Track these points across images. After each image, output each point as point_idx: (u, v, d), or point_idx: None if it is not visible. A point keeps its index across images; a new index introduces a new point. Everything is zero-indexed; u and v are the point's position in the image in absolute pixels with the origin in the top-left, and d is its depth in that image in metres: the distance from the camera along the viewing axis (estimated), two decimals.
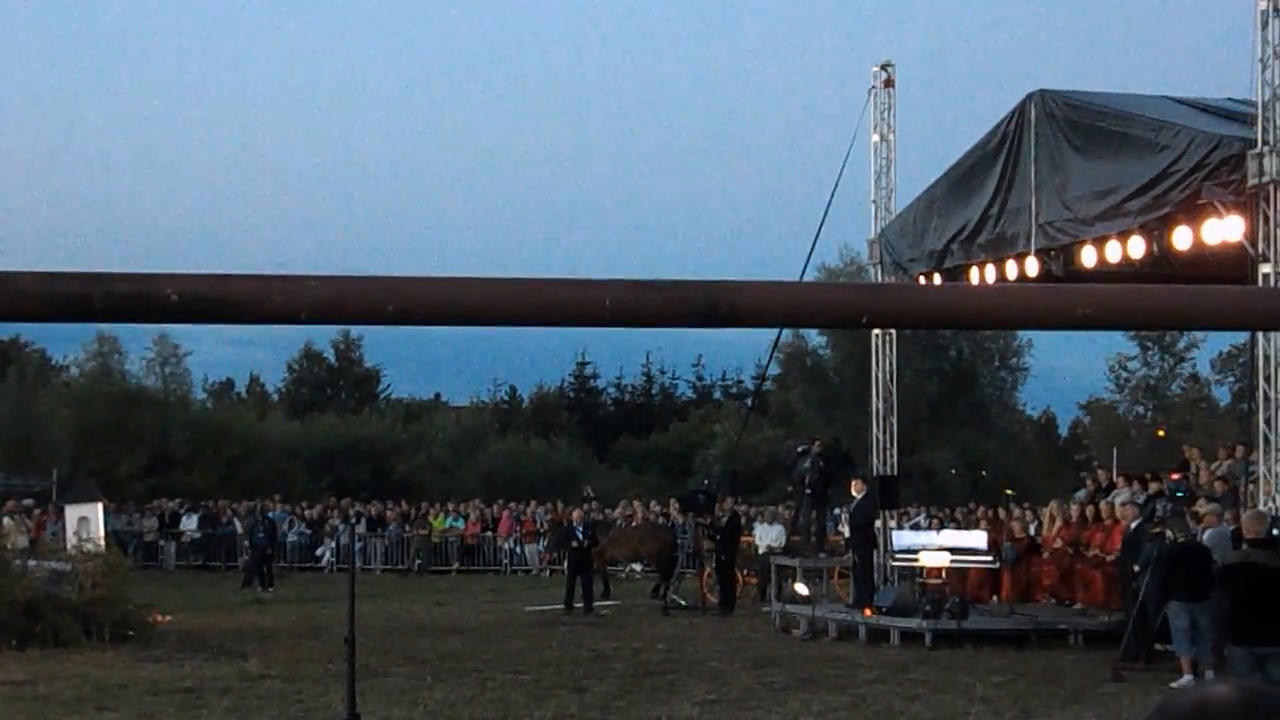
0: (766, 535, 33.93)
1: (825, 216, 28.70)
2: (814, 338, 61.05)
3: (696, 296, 2.31)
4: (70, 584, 23.60)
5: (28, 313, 2.34)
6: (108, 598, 23.76)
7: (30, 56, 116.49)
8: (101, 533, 28.24)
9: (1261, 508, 19.89)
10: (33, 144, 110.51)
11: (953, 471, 58.95)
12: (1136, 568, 21.35)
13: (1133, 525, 23.21)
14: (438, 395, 79.96)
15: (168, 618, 25.95)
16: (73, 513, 29.00)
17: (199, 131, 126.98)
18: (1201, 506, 22.64)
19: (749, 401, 53.61)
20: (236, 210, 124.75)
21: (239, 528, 43.77)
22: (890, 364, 30.19)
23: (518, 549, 43.94)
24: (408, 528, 44.93)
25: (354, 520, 42.63)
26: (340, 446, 60.84)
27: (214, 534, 45.25)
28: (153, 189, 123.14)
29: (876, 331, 29.53)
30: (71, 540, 26.99)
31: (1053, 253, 24.56)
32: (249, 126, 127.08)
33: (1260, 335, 20.98)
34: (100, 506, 29.85)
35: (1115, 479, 29.78)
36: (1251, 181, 20.68)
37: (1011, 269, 25.47)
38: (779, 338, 39.32)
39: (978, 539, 26.70)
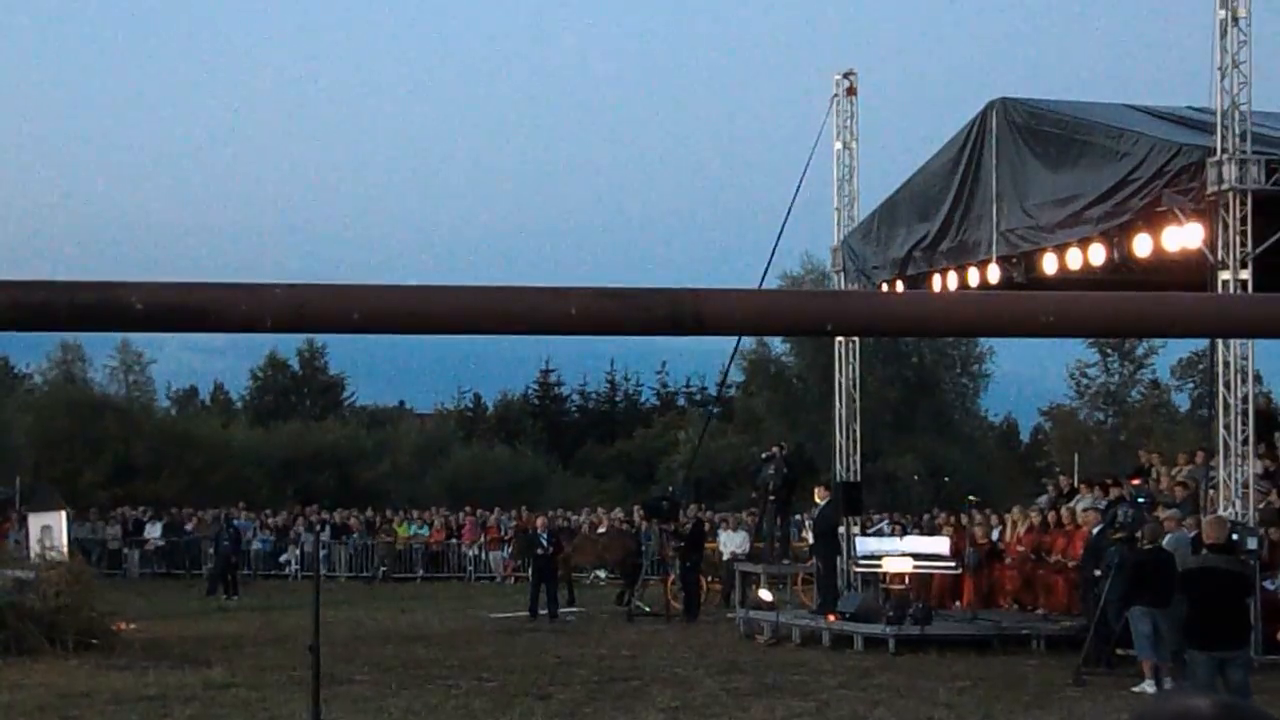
0: (730, 542, 33.90)
1: (785, 223, 28.77)
2: (777, 345, 61.07)
3: (662, 304, 2.30)
4: (33, 592, 23.45)
5: None
6: (71, 606, 23.61)
7: None
8: (65, 541, 28.08)
9: (1221, 513, 20.02)
10: None
11: (915, 477, 58.95)
12: (1098, 573, 21.44)
13: (1094, 531, 23.31)
14: (402, 402, 79.82)
15: (132, 626, 25.80)
16: (36, 521, 28.82)
17: (166, 137, 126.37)
18: (1161, 512, 22.74)
19: (712, 408, 53.62)
20: (208, 216, 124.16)
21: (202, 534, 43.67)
22: (853, 371, 30.26)
23: (482, 556, 43.86)
24: (372, 535, 44.82)
25: (318, 528, 42.39)
26: (304, 454, 60.60)
27: (178, 542, 45.02)
28: (123, 195, 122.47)
29: (839, 338, 29.59)
30: (35, 548, 26.82)
31: (1014, 260, 24.67)
32: (222, 131, 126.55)
33: (1219, 341, 21.09)
34: (63, 514, 29.69)
35: (1077, 485, 29.85)
36: (1211, 189, 20.81)
37: (974, 276, 25.58)
38: (738, 344, 39.36)
39: (941, 545, 26.80)
